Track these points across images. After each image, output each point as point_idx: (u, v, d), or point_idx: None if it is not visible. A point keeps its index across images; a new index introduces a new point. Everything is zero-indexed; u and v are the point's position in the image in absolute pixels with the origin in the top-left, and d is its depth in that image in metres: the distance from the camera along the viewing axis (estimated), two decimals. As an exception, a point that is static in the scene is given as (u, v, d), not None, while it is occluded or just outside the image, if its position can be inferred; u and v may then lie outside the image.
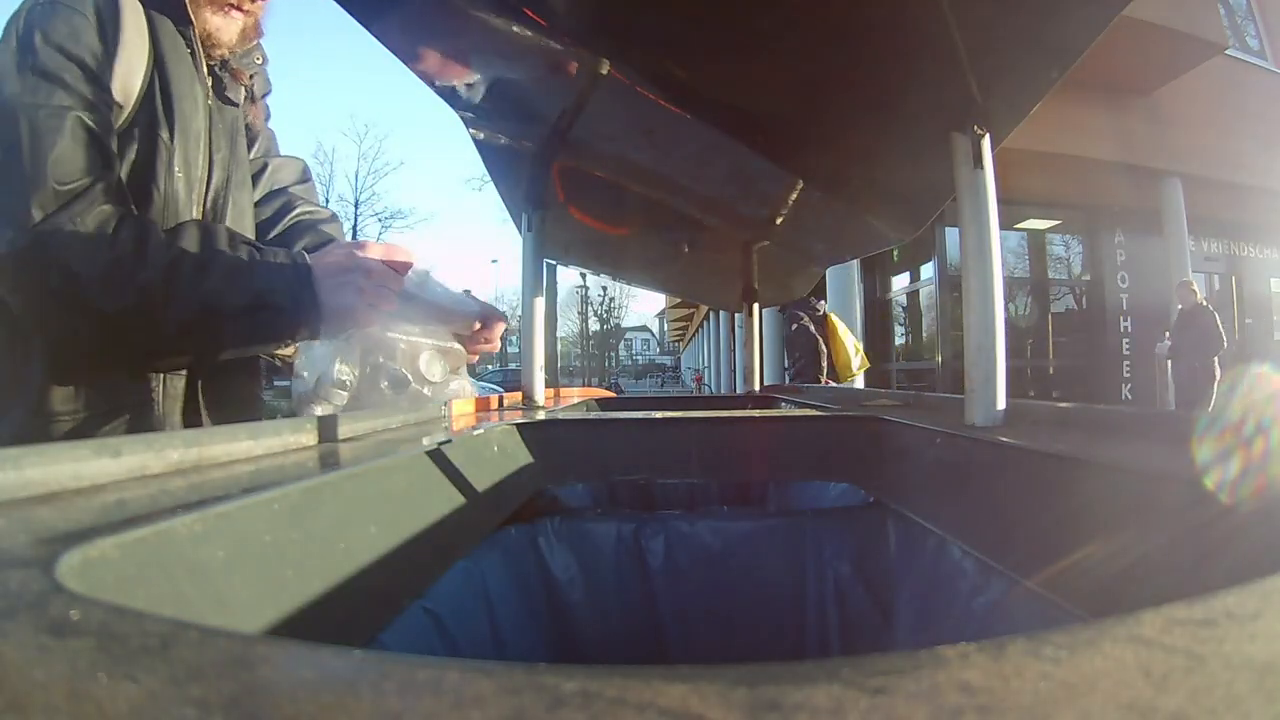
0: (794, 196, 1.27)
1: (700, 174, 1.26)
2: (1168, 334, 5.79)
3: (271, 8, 0.87)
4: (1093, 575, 0.33)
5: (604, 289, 31.95)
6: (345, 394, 0.81)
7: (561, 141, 1.02)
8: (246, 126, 0.92)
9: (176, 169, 0.77)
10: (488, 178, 1.28)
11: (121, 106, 0.74)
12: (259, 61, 0.92)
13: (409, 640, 0.46)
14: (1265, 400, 0.42)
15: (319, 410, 0.80)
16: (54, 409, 0.73)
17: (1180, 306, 5.54)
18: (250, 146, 0.94)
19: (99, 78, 0.71)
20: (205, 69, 0.83)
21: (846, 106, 0.87)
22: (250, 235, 0.89)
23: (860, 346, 4.20)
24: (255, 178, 0.95)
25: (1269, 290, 8.04)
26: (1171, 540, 0.30)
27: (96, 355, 0.74)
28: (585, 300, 32.11)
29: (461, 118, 1.09)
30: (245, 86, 0.88)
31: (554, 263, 2.18)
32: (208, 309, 0.71)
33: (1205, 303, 5.46)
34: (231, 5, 0.82)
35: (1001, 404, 0.60)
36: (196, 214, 0.81)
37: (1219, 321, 5.30)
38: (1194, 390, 5.28)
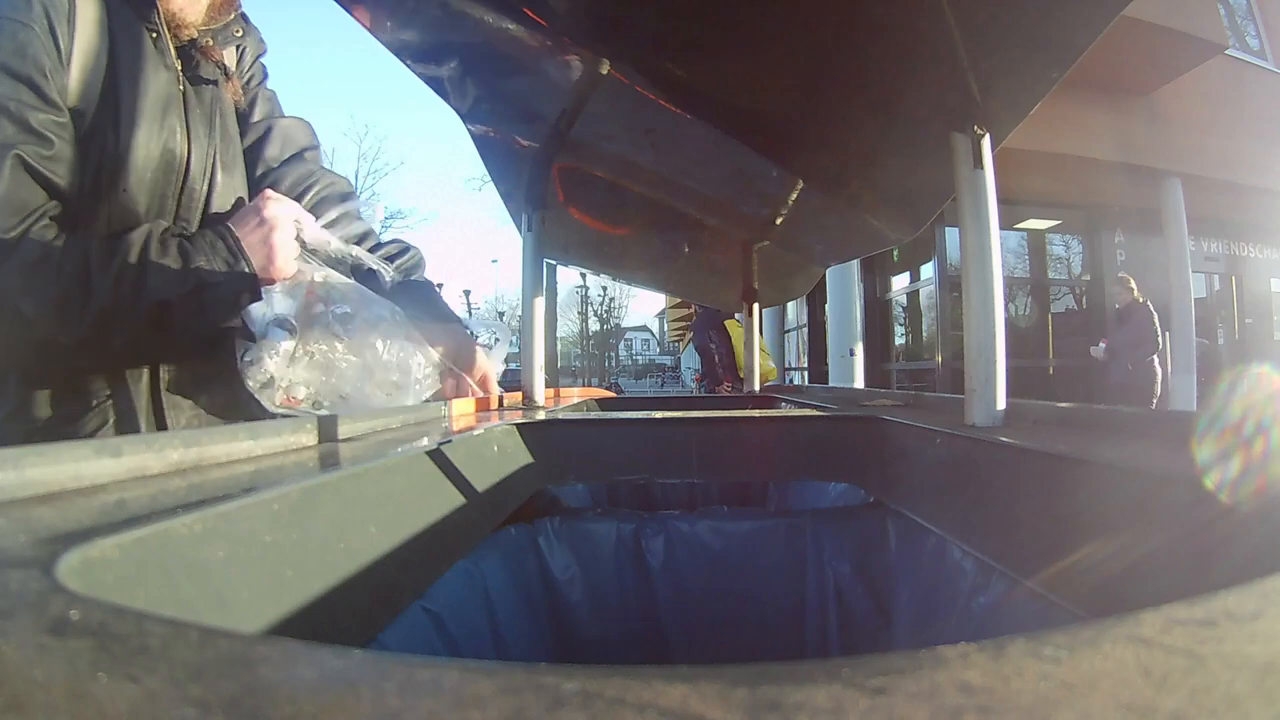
0: (794, 196, 1.27)
1: (700, 174, 1.26)
2: (1103, 340, 5.62)
3: None
4: (1093, 575, 0.33)
5: (604, 289, 31.91)
6: (289, 338, 0.81)
7: (561, 141, 1.02)
8: (236, 104, 0.90)
9: (136, 164, 0.76)
10: (488, 178, 1.28)
11: (83, 112, 0.72)
12: (238, 34, 0.89)
13: (409, 640, 0.46)
14: (1265, 400, 0.41)
15: (268, 364, 0.79)
16: (34, 414, 0.75)
17: (1116, 305, 5.30)
18: (245, 120, 0.92)
19: (47, 95, 0.69)
20: (174, 51, 0.80)
21: (846, 107, 0.87)
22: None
23: (768, 353, 4.73)
24: (261, 142, 0.93)
25: (1269, 290, 8.04)
26: (1171, 540, 0.30)
27: (67, 367, 0.76)
28: (585, 300, 32.08)
29: (462, 118, 1.09)
30: (217, 63, 0.85)
31: (554, 263, 2.17)
32: (155, 308, 0.72)
33: (1142, 299, 5.21)
34: None
35: (1001, 404, 0.60)
36: (170, 206, 0.80)
37: (1156, 319, 5.08)
38: (1134, 392, 5.07)
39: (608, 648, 0.69)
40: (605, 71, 0.92)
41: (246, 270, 0.77)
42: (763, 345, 4.75)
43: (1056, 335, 7.26)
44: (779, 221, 1.38)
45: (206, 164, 0.83)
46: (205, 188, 0.83)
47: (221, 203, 0.85)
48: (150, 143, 0.77)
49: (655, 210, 1.38)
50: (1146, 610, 0.14)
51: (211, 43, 0.84)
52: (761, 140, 1.05)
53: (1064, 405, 0.61)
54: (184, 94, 0.82)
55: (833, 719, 0.10)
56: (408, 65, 0.93)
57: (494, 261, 33.99)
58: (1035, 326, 7.19)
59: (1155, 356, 5.09)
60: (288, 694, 0.11)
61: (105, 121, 0.74)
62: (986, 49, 0.62)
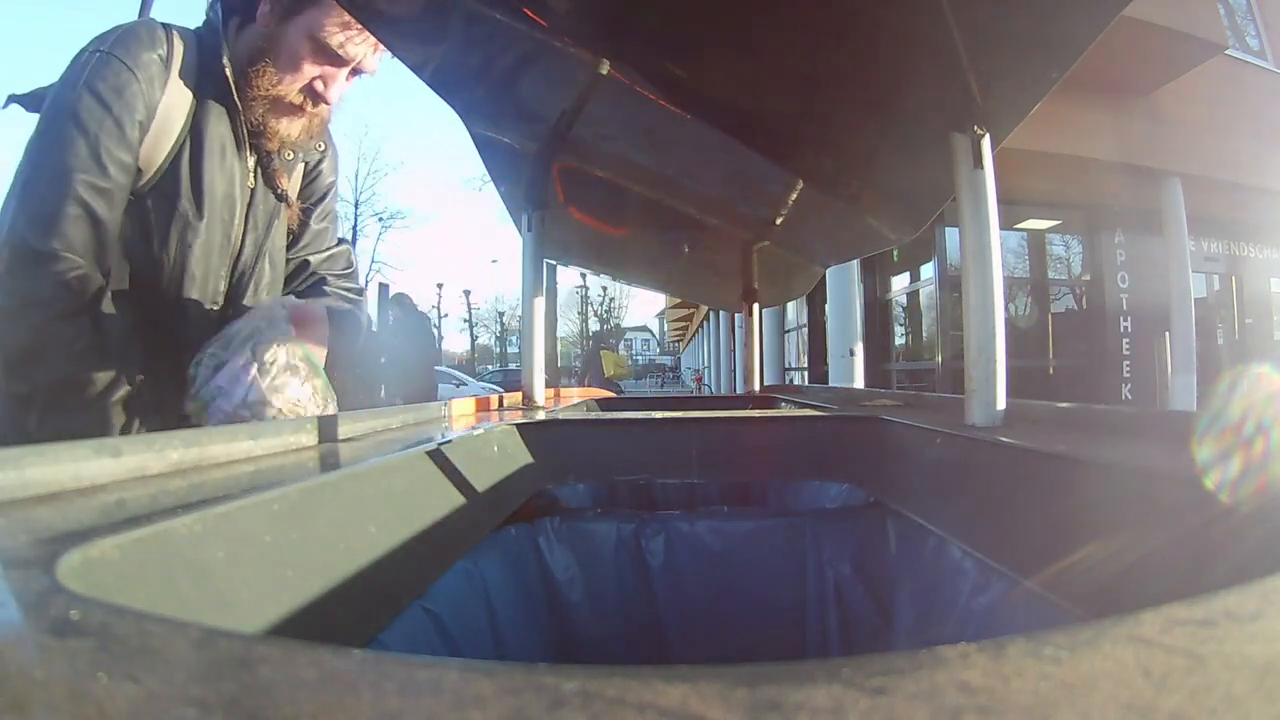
0: (794, 196, 1.27)
1: (700, 174, 1.26)
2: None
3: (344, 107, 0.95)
4: (1093, 575, 0.33)
5: (604, 289, 31.92)
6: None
7: (561, 141, 1.02)
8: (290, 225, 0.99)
9: (193, 239, 0.83)
10: (488, 178, 1.28)
11: (142, 171, 0.80)
12: (321, 149, 0.99)
13: (409, 640, 0.46)
14: (1265, 400, 0.41)
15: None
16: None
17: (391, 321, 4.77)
18: (296, 243, 1.00)
19: (125, 138, 0.77)
20: (251, 156, 0.89)
21: (846, 106, 0.87)
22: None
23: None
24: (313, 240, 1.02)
25: (1269, 290, 8.03)
26: (1171, 540, 0.30)
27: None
28: (585, 300, 32.08)
29: (462, 118, 1.09)
30: (280, 193, 0.94)
31: (554, 263, 2.17)
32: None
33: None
34: (294, 107, 0.88)
35: (1001, 404, 0.60)
36: (222, 287, 0.88)
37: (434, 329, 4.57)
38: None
39: (608, 648, 0.69)
40: (605, 71, 0.92)
41: None
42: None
43: (1056, 335, 7.25)
44: (779, 221, 1.38)
45: (254, 256, 0.91)
46: (252, 277, 0.92)
47: (269, 291, 0.94)
48: (211, 223, 0.85)
49: (655, 210, 1.38)
50: (1146, 610, 0.14)
51: (283, 165, 0.93)
52: (761, 140, 1.05)
53: (1064, 405, 0.61)
54: (254, 191, 0.90)
55: (833, 719, 0.10)
56: (408, 65, 0.93)
57: (494, 261, 33.95)
58: (1035, 326, 7.19)
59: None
60: (288, 694, 0.11)
61: (167, 191, 0.82)
62: (986, 49, 0.62)
